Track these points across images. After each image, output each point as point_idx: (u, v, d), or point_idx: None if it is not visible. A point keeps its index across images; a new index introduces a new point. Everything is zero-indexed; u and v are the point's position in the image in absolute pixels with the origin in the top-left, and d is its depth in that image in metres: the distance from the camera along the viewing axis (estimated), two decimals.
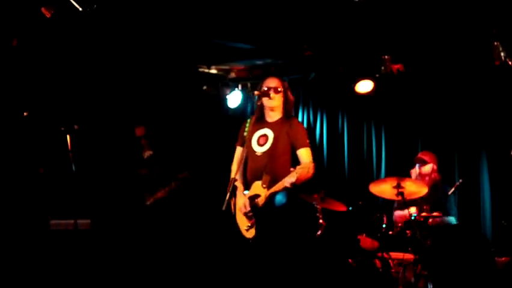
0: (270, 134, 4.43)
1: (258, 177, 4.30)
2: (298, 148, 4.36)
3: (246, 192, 4.37)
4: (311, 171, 4.20)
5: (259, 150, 4.41)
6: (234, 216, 4.41)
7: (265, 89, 4.47)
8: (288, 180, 4.09)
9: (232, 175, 4.41)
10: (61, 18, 5.11)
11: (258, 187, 4.28)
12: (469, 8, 5.16)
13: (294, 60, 6.77)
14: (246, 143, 4.43)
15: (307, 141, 4.40)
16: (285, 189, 4.19)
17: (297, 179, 4.08)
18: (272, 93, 4.44)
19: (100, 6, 4.98)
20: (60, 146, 5.33)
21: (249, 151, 4.45)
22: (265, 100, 4.48)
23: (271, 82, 4.51)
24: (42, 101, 6.06)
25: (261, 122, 4.55)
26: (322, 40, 6.24)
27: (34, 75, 5.97)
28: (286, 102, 4.52)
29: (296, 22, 5.73)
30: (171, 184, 5.70)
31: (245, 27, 5.89)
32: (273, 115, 4.52)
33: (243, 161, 4.41)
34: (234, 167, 4.54)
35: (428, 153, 5.81)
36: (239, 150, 4.59)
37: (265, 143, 4.40)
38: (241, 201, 4.34)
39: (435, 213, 5.41)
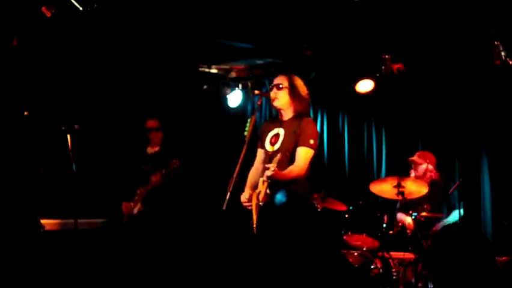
0: (281, 132, 4.36)
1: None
2: (299, 146, 4.21)
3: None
4: (297, 170, 4.15)
5: (270, 149, 4.37)
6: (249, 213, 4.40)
7: (269, 87, 4.45)
8: (266, 173, 4.04)
9: (249, 176, 4.45)
10: (61, 18, 5.11)
11: (260, 183, 4.27)
12: (469, 7, 5.15)
13: (294, 60, 6.76)
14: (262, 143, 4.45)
15: (312, 141, 4.21)
16: (282, 187, 4.14)
17: (274, 174, 4.01)
18: (274, 91, 4.37)
19: (100, 6, 4.98)
20: (60, 145, 5.33)
21: (264, 151, 4.45)
22: (271, 100, 4.39)
23: (275, 79, 4.44)
24: (42, 101, 6.06)
25: (275, 121, 4.48)
26: (322, 39, 6.24)
27: (34, 75, 5.97)
28: (295, 99, 4.37)
29: (296, 22, 5.73)
30: (162, 170, 5.68)
31: (245, 26, 5.90)
32: (286, 114, 4.42)
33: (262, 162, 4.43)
34: (253, 169, 4.54)
35: (422, 153, 5.82)
36: (259, 152, 4.55)
37: (277, 141, 4.35)
38: (253, 197, 4.34)
39: (430, 213, 5.41)
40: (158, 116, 6.06)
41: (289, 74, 4.47)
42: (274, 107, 4.45)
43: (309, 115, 4.53)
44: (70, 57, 6.20)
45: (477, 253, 4.86)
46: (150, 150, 5.99)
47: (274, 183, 4.13)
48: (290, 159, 4.22)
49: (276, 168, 4.02)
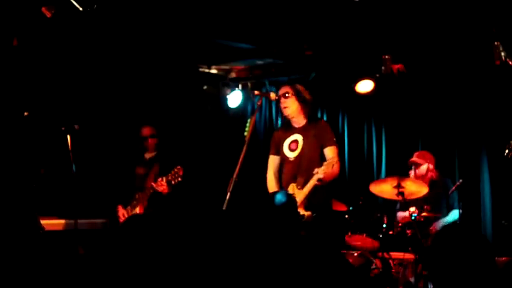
0: (299, 138, 4.59)
1: (293, 181, 4.47)
2: (325, 147, 4.51)
3: None
4: (336, 166, 4.37)
5: (291, 155, 4.59)
6: None
7: (277, 98, 4.67)
8: (315, 177, 4.25)
9: (270, 185, 4.65)
10: (61, 18, 5.11)
11: (292, 189, 4.39)
12: (469, 8, 5.15)
13: (294, 60, 6.77)
14: (279, 151, 4.68)
15: (334, 139, 4.56)
16: (316, 187, 4.31)
17: (324, 176, 4.24)
18: (282, 100, 4.60)
19: (100, 6, 4.98)
20: (60, 146, 5.33)
21: (283, 157, 4.65)
22: (283, 110, 4.64)
23: (280, 90, 4.68)
24: (42, 101, 6.05)
25: (289, 128, 4.70)
26: (322, 40, 6.23)
27: (34, 75, 5.97)
28: (303, 103, 4.64)
29: (296, 22, 5.73)
30: (163, 178, 5.68)
31: (245, 27, 5.89)
32: (298, 120, 4.66)
33: (277, 168, 4.67)
34: (270, 175, 4.73)
35: (422, 153, 5.83)
36: (272, 159, 4.75)
37: (296, 147, 4.58)
38: None
39: (430, 213, 5.41)
40: (155, 120, 6.05)
41: (290, 83, 4.77)
42: (287, 116, 4.68)
43: (317, 115, 4.76)
44: (69, 57, 6.20)
45: (477, 253, 4.85)
46: (148, 155, 5.98)
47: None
48: (320, 159, 4.46)
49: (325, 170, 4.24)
